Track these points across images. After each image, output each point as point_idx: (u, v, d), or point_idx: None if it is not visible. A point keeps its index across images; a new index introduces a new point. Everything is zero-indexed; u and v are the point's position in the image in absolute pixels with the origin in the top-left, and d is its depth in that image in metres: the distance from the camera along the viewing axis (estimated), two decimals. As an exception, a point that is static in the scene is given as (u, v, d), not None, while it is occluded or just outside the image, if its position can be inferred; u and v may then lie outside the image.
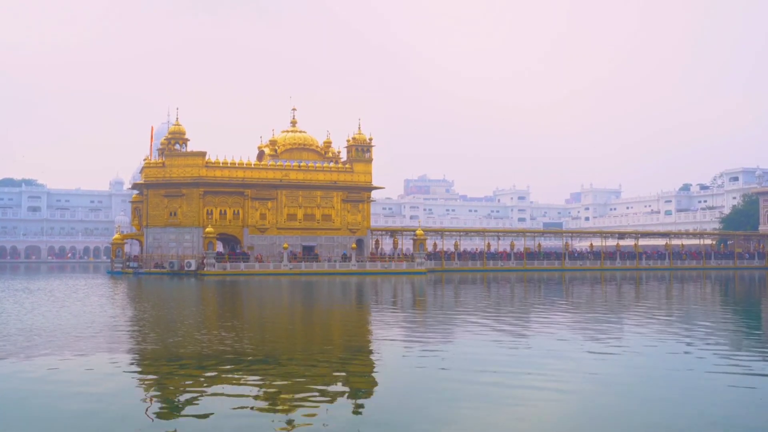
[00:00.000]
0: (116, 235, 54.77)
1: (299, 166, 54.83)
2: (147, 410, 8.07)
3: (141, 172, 55.93)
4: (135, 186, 58.45)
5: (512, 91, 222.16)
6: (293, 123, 60.09)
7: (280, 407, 8.17)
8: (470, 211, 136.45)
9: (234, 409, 8.08)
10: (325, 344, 13.70)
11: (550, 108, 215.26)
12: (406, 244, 60.65)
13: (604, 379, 9.81)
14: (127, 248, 58.77)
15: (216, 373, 10.18)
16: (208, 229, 49.39)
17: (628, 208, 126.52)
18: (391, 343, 13.60)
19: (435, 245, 61.13)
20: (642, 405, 8.32)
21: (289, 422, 7.49)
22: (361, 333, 15.89)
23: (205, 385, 9.44)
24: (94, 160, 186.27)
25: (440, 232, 63.27)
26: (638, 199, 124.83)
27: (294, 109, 60.62)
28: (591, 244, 67.53)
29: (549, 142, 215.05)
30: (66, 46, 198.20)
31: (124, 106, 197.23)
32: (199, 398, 8.64)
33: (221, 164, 53.18)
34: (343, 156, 58.05)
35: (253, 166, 54.25)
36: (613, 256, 63.94)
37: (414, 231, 55.99)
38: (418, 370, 10.59)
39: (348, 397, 8.76)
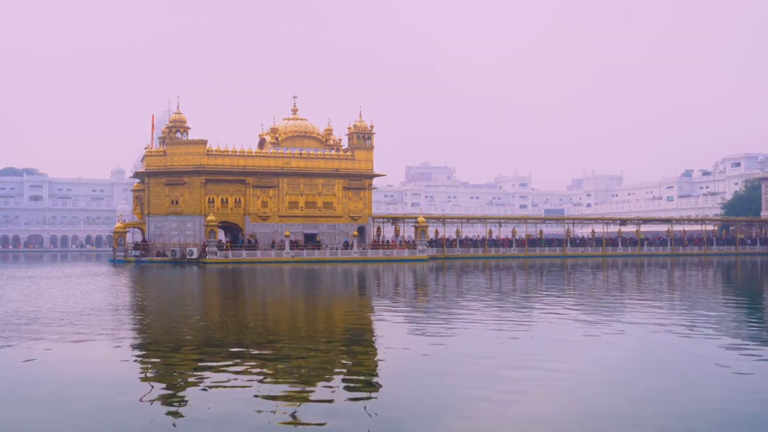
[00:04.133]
0: (118, 224, 54.77)
1: (300, 154, 54.71)
2: (145, 397, 8.03)
3: (142, 160, 55.84)
4: (136, 174, 58.37)
5: (512, 73, 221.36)
6: (294, 111, 59.89)
7: (281, 397, 8.12)
8: (472, 198, 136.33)
9: (235, 399, 8.04)
10: (327, 333, 13.67)
11: (551, 91, 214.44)
12: (408, 232, 60.57)
13: (612, 370, 9.77)
14: (129, 237, 58.81)
15: (216, 363, 10.14)
16: (209, 218, 49.36)
17: (629, 194, 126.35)
18: (394, 332, 13.57)
19: (437, 232, 61.10)
20: (646, 395, 8.28)
21: (292, 413, 7.45)
22: (363, 321, 15.85)
23: (205, 375, 9.39)
24: (96, 149, 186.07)
25: (442, 219, 63.22)
26: (640, 186, 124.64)
27: (295, 97, 60.48)
28: (593, 230, 67.44)
29: (551, 126, 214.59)
30: (66, 35, 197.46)
31: (124, 95, 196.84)
32: (199, 388, 8.60)
33: (222, 152, 53.07)
34: (345, 143, 57.91)
35: (254, 154, 54.14)
36: (615, 243, 63.88)
37: (416, 218, 55.95)
38: (422, 360, 10.55)
39: (352, 387, 8.71)
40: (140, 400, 7.91)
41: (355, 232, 53.78)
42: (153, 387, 8.68)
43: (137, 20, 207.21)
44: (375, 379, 9.15)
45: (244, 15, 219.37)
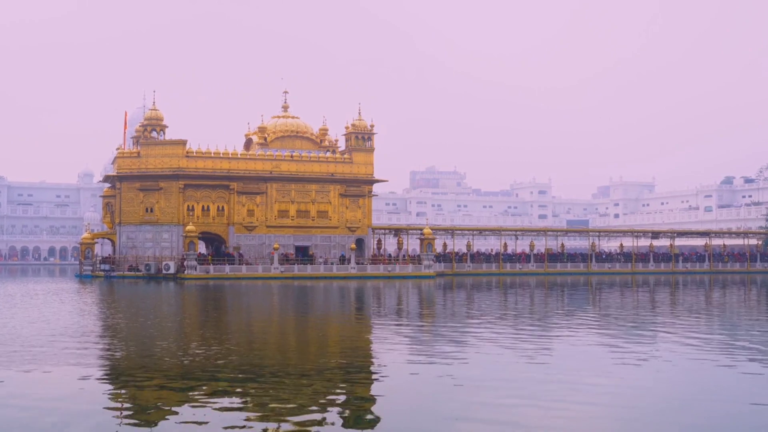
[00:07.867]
0: (85, 234, 54.81)
1: (291, 156, 54.80)
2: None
3: (113, 162, 55.97)
4: (107, 178, 58.47)
5: (531, 70, 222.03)
6: (285, 108, 60.04)
7: (269, 428, 8.12)
8: (484, 207, 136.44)
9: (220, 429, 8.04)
10: (320, 359, 13.66)
11: (574, 89, 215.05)
12: (412, 245, 60.63)
13: (632, 407, 9.77)
14: (97, 249, 58.79)
15: (198, 391, 10.14)
16: (188, 227, 49.39)
17: (662, 203, 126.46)
18: (395, 360, 13.56)
19: (445, 245, 61.10)
20: None
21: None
22: (361, 347, 15.84)
23: (185, 404, 9.39)
24: (61, 149, 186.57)
25: (451, 231, 63.25)
26: (674, 194, 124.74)
27: (286, 93, 60.65)
28: (621, 244, 67.42)
29: (573, 128, 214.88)
30: (31, 24, 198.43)
31: (94, 89, 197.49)
32: (179, 419, 8.59)
33: (204, 154, 53.15)
34: (341, 145, 58.02)
35: (239, 156, 54.23)
36: (646, 258, 63.83)
37: (421, 230, 55.95)
38: (426, 390, 10.53)
39: (346, 418, 8.70)
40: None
41: (353, 245, 53.76)
42: (121, 424, 8.67)
43: (109, 4, 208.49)
44: (372, 415, 9.13)
45: (230, 2, 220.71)
